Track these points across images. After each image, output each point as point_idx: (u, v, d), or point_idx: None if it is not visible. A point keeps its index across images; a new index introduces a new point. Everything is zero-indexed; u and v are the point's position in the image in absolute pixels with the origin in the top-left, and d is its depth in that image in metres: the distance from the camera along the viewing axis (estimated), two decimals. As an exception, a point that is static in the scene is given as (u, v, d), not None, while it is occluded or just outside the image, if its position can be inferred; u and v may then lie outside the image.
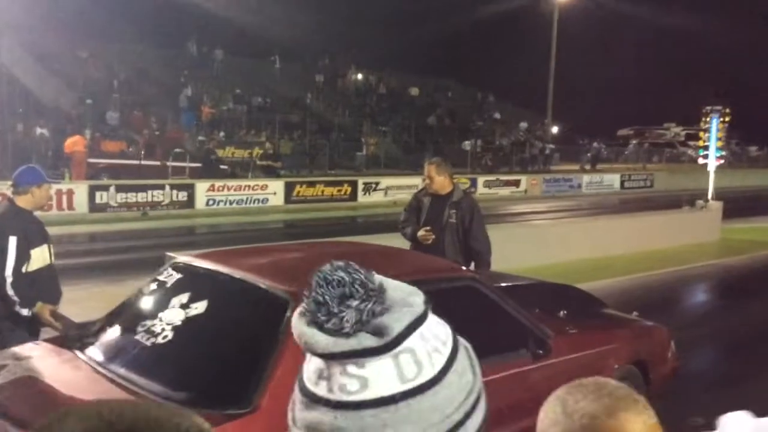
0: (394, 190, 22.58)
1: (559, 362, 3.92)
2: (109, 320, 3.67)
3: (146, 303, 3.59)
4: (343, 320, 0.68)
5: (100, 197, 17.25)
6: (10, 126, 24.98)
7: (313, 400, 0.70)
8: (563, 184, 28.35)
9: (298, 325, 0.71)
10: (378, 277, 0.73)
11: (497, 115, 41.04)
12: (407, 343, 0.69)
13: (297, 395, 0.72)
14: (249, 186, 20.27)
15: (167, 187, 18.50)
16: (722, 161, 17.02)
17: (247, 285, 3.23)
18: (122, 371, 3.11)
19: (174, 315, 3.24)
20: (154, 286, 3.66)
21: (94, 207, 17.04)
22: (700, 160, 17.26)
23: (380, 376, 0.68)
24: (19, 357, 3.44)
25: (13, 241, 4.07)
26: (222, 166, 22.53)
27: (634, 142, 46.31)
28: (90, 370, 3.22)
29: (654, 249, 12.22)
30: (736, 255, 12.69)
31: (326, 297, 0.69)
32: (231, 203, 19.40)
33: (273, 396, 2.70)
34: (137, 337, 3.25)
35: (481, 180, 25.51)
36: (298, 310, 0.72)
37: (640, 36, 67.38)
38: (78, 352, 3.41)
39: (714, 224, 14.17)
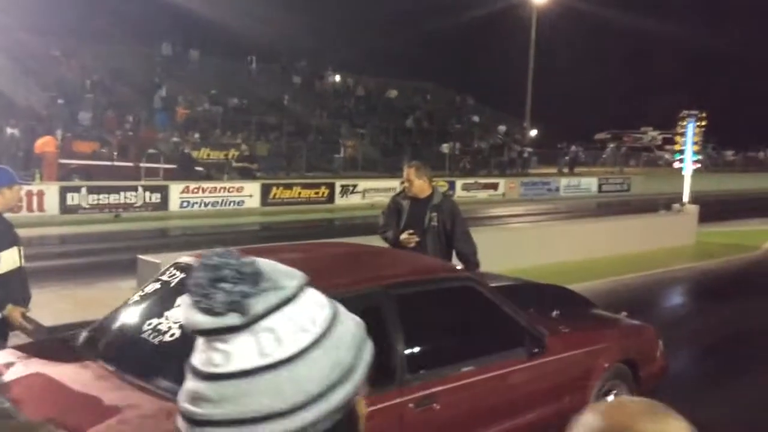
0: (371, 192, 22.44)
1: (553, 360, 4.07)
2: (112, 319, 3.76)
3: (151, 302, 3.64)
4: (214, 301, 0.75)
5: (72, 199, 16.92)
6: (-20, 126, 24.50)
7: (192, 371, 0.80)
8: (541, 187, 28.42)
9: (184, 308, 0.79)
10: (258, 263, 0.79)
11: (476, 118, 41.10)
12: (268, 323, 0.76)
13: (186, 367, 0.82)
14: (224, 188, 20.02)
15: (140, 189, 18.21)
16: (698, 165, 17.09)
17: None
18: (131, 368, 3.19)
19: (180, 314, 3.31)
20: (157, 285, 3.75)
21: (65, 208, 16.71)
22: (676, 164, 17.34)
23: (241, 351, 0.76)
24: (22, 356, 3.52)
25: None
26: (197, 168, 22.25)
27: (612, 145, 46.68)
28: (98, 369, 3.29)
29: (631, 252, 12.21)
30: (712, 258, 12.72)
31: (201, 279, 0.76)
32: (206, 205, 19.15)
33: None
34: (144, 335, 3.33)
35: (459, 183, 25.48)
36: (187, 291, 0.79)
37: (618, 40, 68.07)
38: (84, 352, 3.50)
39: (690, 228, 14.22)
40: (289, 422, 0.75)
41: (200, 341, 0.80)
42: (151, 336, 3.30)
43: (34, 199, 16.08)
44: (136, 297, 3.82)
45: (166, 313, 3.38)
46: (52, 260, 10.95)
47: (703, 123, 17.26)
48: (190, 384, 0.79)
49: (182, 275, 3.65)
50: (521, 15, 39.56)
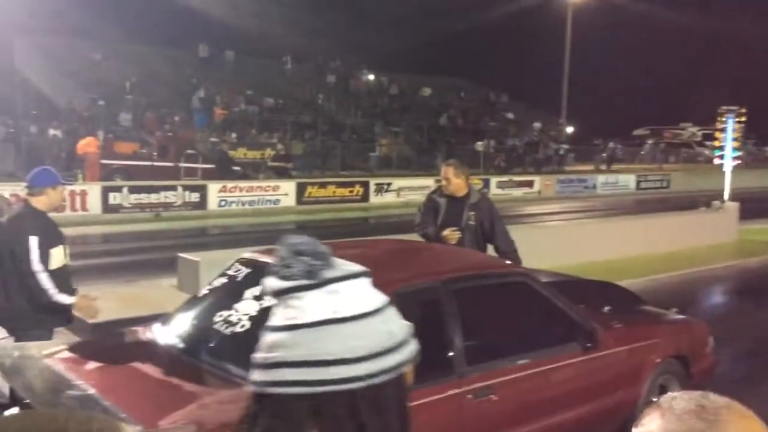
0: (406, 191, 22.48)
1: (606, 355, 4.13)
2: (184, 310, 3.95)
3: (219, 295, 3.83)
4: (293, 271, 0.90)
5: (113, 198, 17.29)
6: (24, 128, 25.15)
7: (270, 329, 0.92)
8: (578, 184, 28.12)
9: (266, 279, 0.94)
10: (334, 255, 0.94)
11: (510, 116, 40.82)
12: (337, 286, 0.91)
13: (262, 333, 0.93)
14: (261, 187, 20.25)
15: (179, 188, 18.52)
16: (739, 161, 16.77)
17: None
18: (206, 358, 3.37)
19: (249, 306, 3.49)
20: (224, 280, 3.93)
21: (107, 208, 17.08)
22: (716, 161, 17.05)
23: (313, 306, 0.89)
24: (101, 348, 3.75)
25: (34, 241, 4.15)
26: (234, 167, 22.53)
27: (650, 142, 45.87)
28: (174, 358, 3.49)
29: (670, 250, 12.05)
30: (754, 256, 12.49)
31: (285, 254, 0.92)
32: (243, 204, 19.39)
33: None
34: (215, 326, 3.50)
35: (494, 181, 25.35)
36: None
37: (656, 35, 66.93)
38: (159, 339, 3.70)
39: (731, 225, 13.97)
40: (352, 369, 0.87)
41: (277, 306, 0.93)
42: (223, 327, 3.46)
43: (77, 199, 16.46)
44: (205, 290, 4.00)
45: (235, 306, 3.53)
46: (95, 258, 11.21)
47: (743, 118, 16.93)
48: (267, 338, 0.92)
49: (247, 270, 3.82)
50: (556, 10, 39.19)
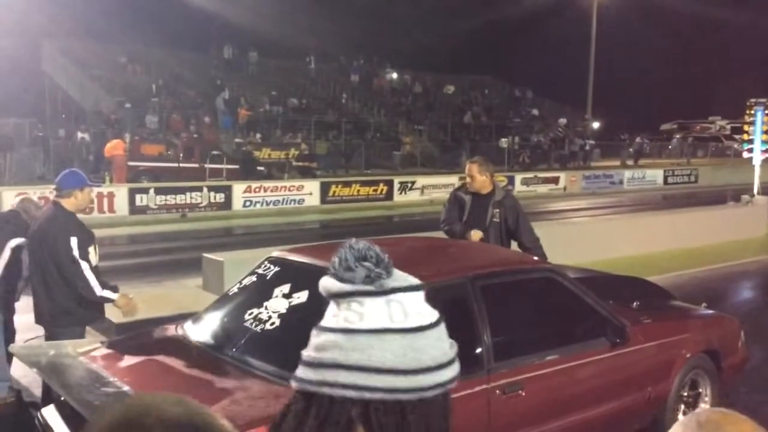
0: (430, 189, 22.44)
1: (635, 350, 4.11)
2: (215, 309, 3.99)
3: (249, 294, 3.87)
4: (356, 274, 0.91)
5: (140, 200, 17.49)
6: (53, 131, 25.56)
7: (323, 330, 0.92)
8: (604, 180, 27.83)
9: (323, 279, 0.94)
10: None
11: (535, 112, 40.52)
12: (398, 296, 0.91)
13: (312, 332, 0.94)
14: (285, 187, 20.35)
15: (205, 189, 18.69)
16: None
17: None
18: (237, 355, 3.40)
19: (279, 304, 3.54)
20: (254, 278, 3.98)
21: (134, 209, 17.29)
22: (745, 154, 16.76)
23: (374, 313, 0.89)
24: (133, 346, 3.81)
25: (74, 242, 4.27)
26: (259, 168, 22.67)
27: (678, 136, 45.23)
28: (205, 355, 3.52)
29: (698, 246, 11.88)
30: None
31: (348, 257, 0.92)
32: (268, 204, 19.50)
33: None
34: (246, 324, 3.54)
35: (518, 178, 25.20)
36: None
37: (682, 27, 65.99)
38: (190, 337, 3.74)
39: (760, 220, 13.74)
40: (406, 381, 0.88)
41: (334, 308, 0.93)
42: (253, 324, 3.51)
43: (105, 201, 16.68)
44: (235, 289, 4.04)
45: (266, 303, 3.58)
46: (122, 259, 11.35)
47: (773, 111, 16.62)
48: (320, 338, 0.92)
49: (276, 268, 3.86)
50: (581, 4, 38.80)
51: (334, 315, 0.92)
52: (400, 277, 0.94)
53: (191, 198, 18.25)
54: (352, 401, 0.88)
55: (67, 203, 4.41)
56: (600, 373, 3.96)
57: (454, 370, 0.93)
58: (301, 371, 0.92)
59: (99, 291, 4.31)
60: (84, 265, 4.27)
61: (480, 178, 5.44)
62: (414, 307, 0.92)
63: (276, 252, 4.19)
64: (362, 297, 0.91)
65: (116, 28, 32.43)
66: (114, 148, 20.63)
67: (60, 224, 4.33)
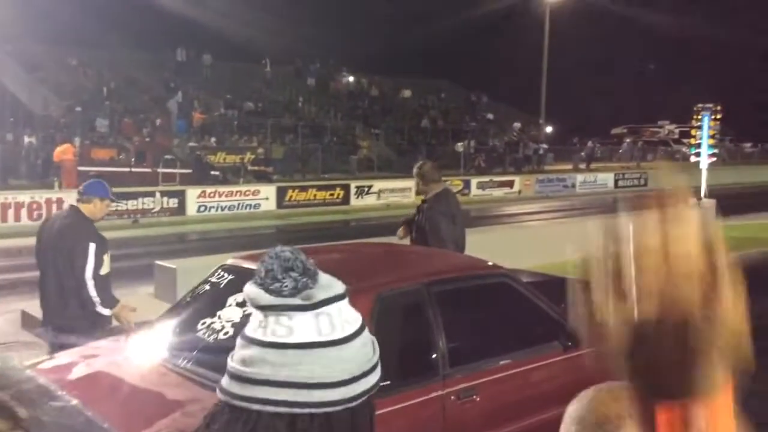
0: (386, 193, 22.48)
1: (587, 354, 4.06)
2: (166, 318, 3.95)
3: (203, 303, 3.83)
4: (283, 285, 0.89)
5: (91, 205, 17.08)
6: (0, 135, 24.85)
7: (250, 341, 0.90)
8: (557, 184, 28.30)
9: (248, 287, 0.92)
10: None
11: (490, 116, 41.00)
12: (326, 309, 0.91)
13: (238, 341, 0.93)
14: (240, 191, 20.14)
15: (158, 194, 18.38)
16: (714, 159, 16.92)
17: None
18: (190, 365, 3.35)
19: (232, 313, 3.50)
20: (207, 287, 3.94)
21: (84, 215, 16.87)
22: (693, 158, 17.21)
23: (302, 328, 0.89)
24: (85, 356, 3.73)
25: (92, 248, 4.39)
26: (213, 172, 22.39)
27: (628, 140, 46.27)
28: (158, 366, 3.47)
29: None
30: (729, 252, 12.57)
31: (274, 266, 0.90)
32: (222, 209, 19.27)
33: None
34: (199, 334, 3.51)
35: (474, 182, 25.43)
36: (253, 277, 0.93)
37: (633, 34, 67.55)
38: (140, 348, 3.69)
39: (708, 222, 14.07)
40: (334, 393, 0.89)
41: (260, 317, 0.92)
42: (207, 334, 3.47)
43: (54, 207, 16.25)
44: (188, 298, 4.01)
45: (219, 313, 3.54)
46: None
47: (719, 116, 17.09)
48: (247, 351, 0.91)
49: (230, 276, 3.83)
50: (534, 10, 39.41)
51: (260, 325, 0.91)
52: (327, 285, 0.93)
53: (143, 203, 17.92)
54: (279, 415, 0.88)
55: (86, 209, 4.55)
56: (553, 377, 4.01)
57: (377, 374, 0.95)
58: (227, 383, 0.91)
59: (97, 305, 4.39)
60: (89, 274, 4.34)
61: (421, 187, 5.77)
62: (341, 317, 0.92)
63: (230, 260, 4.16)
64: (291, 311, 0.90)
65: (67, 30, 31.73)
66: (63, 152, 20.17)
67: (80, 229, 4.46)
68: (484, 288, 4.10)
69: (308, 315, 0.90)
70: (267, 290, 0.90)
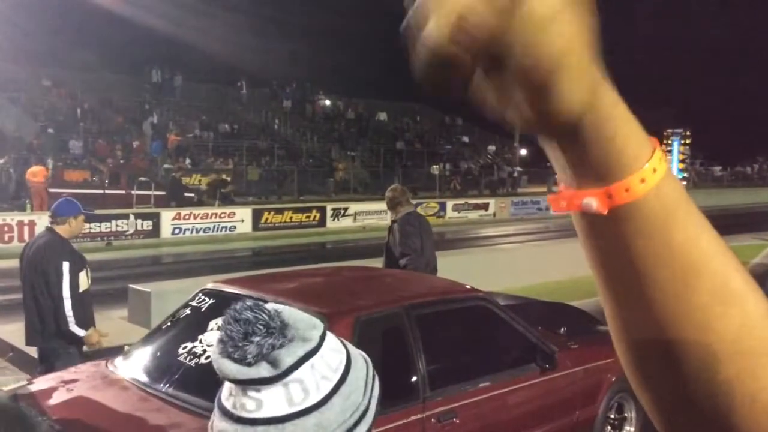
0: (362, 215, 22.51)
1: (563, 375, 4.26)
2: (146, 343, 3.96)
3: (183, 327, 3.86)
4: (246, 352, 0.81)
5: (63, 228, 16.86)
6: (-29, 157, 24.47)
7: (223, 412, 0.86)
8: (531, 206, 28.52)
9: (214, 354, 0.85)
10: (283, 315, 0.86)
11: (465, 139, 41.35)
12: (297, 374, 0.83)
13: (215, 407, 0.88)
14: (216, 214, 20.02)
15: (132, 216, 18.20)
16: (685, 183, 17.26)
17: None
18: (171, 390, 3.35)
19: (214, 337, 3.35)
20: (187, 311, 3.96)
21: (56, 238, 16.64)
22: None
23: (272, 400, 0.82)
24: (64, 381, 3.73)
25: (66, 266, 4.50)
26: (187, 194, 22.23)
27: (600, 163, 46.82)
28: (138, 391, 3.47)
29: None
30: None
31: (233, 333, 0.83)
32: (198, 231, 19.14)
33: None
34: (180, 358, 3.51)
35: (450, 204, 25.55)
36: (216, 341, 0.86)
37: (601, 57, 68.55)
38: (121, 373, 3.69)
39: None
40: None
41: (230, 385, 0.86)
42: (187, 359, 3.47)
43: (26, 229, 16.04)
44: (168, 322, 4.01)
45: (200, 337, 3.56)
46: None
47: (688, 141, 17.47)
48: (222, 424, 0.86)
49: (211, 300, 3.85)
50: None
51: (231, 393, 0.86)
52: (300, 338, 0.85)
53: (117, 225, 17.73)
54: None
55: (62, 230, 4.67)
56: (530, 399, 4.08)
57: (367, 421, 0.88)
58: None
59: (71, 324, 4.46)
60: (66, 293, 4.42)
61: (391, 212, 6.00)
62: (315, 376, 0.84)
63: (210, 284, 4.17)
64: (258, 385, 0.83)
65: (40, 50, 31.48)
66: (33, 174, 19.92)
67: (54, 249, 4.56)
68: (462, 311, 4.16)
69: (277, 386, 0.83)
70: (231, 359, 0.83)
